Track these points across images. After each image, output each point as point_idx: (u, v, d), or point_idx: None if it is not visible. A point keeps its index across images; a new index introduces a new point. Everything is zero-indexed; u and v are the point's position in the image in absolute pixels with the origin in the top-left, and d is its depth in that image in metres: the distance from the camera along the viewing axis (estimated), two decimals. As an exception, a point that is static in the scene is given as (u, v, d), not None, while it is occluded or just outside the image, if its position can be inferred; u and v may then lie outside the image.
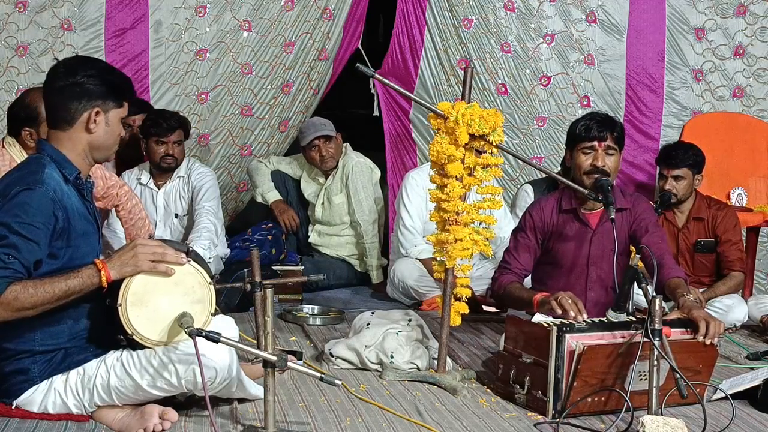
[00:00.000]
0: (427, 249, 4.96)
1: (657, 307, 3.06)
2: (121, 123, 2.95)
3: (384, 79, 3.80)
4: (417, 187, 5.08)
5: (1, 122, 4.86)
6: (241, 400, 3.13)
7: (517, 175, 5.84)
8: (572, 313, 3.33)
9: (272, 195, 5.71)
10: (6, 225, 2.66)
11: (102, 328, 2.89)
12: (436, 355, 3.63)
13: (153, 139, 4.97)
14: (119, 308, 2.77)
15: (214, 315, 2.90)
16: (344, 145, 5.71)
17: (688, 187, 4.84)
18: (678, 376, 3.03)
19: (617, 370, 3.17)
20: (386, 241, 5.64)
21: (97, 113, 2.84)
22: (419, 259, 5.04)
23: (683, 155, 4.85)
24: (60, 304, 2.72)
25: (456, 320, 3.57)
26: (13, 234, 2.65)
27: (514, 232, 3.99)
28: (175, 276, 2.84)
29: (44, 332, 2.83)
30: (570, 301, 3.39)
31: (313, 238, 5.78)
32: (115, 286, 2.80)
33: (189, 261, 2.87)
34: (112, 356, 2.88)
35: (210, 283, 2.89)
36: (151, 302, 2.80)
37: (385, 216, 5.74)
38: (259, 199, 5.75)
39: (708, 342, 3.26)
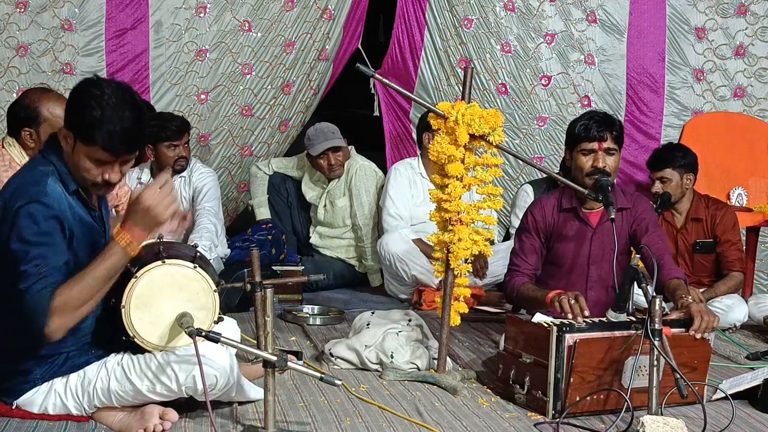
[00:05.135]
0: (414, 233, 5.07)
1: (657, 307, 3.06)
2: None
3: (384, 79, 3.81)
4: (401, 177, 5.25)
5: (1, 122, 4.87)
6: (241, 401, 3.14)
7: (517, 175, 5.84)
8: (570, 316, 3.33)
9: (261, 212, 5.72)
10: (24, 241, 2.68)
11: (104, 331, 2.90)
12: (436, 355, 3.63)
13: (165, 144, 4.97)
14: (122, 310, 2.78)
15: (216, 323, 2.91)
16: (349, 147, 5.70)
17: (677, 188, 4.82)
18: (678, 376, 3.03)
19: (613, 365, 3.17)
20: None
21: None
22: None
23: (667, 156, 4.85)
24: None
25: (456, 320, 3.57)
26: (34, 246, 2.67)
27: (518, 233, 3.98)
28: (180, 281, 2.85)
29: None
30: (572, 301, 3.39)
31: (313, 239, 5.77)
32: (121, 284, 2.80)
33: (195, 267, 2.87)
34: (113, 360, 2.89)
35: (215, 291, 2.88)
36: (155, 306, 2.81)
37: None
38: (250, 209, 5.77)
39: (698, 336, 3.27)
